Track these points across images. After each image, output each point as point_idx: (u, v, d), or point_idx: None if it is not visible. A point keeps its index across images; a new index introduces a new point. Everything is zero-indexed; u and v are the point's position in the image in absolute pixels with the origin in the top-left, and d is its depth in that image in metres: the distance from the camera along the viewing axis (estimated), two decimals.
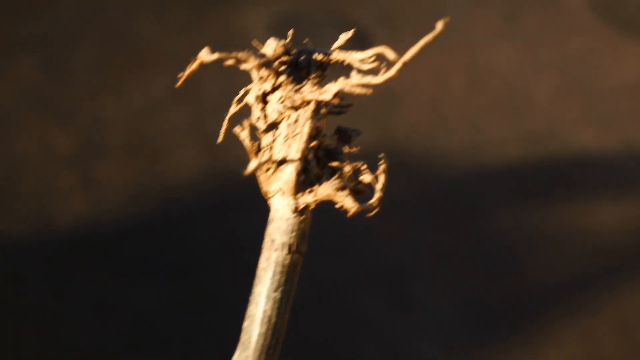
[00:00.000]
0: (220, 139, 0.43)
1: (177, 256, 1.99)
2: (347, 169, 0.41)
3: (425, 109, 2.59)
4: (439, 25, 0.35)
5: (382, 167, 0.41)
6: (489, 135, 2.56)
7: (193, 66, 0.40)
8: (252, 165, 0.40)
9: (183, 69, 0.45)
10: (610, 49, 3.00)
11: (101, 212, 2.03)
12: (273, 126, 0.41)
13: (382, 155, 0.40)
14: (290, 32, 0.42)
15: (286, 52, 0.40)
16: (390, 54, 0.37)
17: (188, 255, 1.99)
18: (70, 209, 2.01)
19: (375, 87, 0.37)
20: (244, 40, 2.62)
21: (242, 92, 0.42)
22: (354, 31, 0.40)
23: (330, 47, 0.44)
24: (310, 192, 0.41)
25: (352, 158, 0.42)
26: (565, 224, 2.33)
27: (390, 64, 0.37)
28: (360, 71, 0.38)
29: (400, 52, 0.36)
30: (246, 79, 0.42)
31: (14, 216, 1.97)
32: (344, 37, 0.43)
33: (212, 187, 2.15)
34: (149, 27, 2.57)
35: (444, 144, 2.48)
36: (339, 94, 0.39)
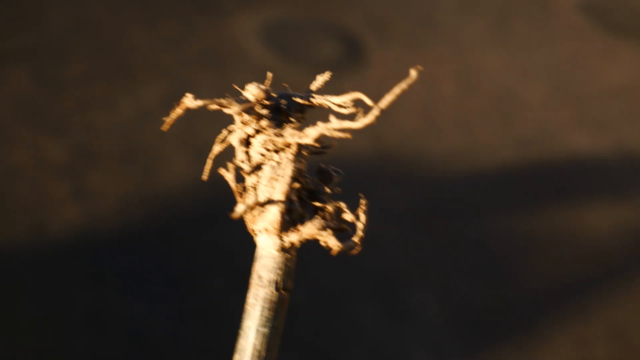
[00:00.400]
0: (205, 177, 0.44)
1: (171, 264, 1.99)
2: (329, 209, 0.42)
3: (416, 115, 2.59)
4: (413, 73, 0.36)
5: (362, 206, 0.42)
6: (481, 140, 2.56)
7: (178, 111, 0.41)
8: (240, 209, 0.41)
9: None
10: (601, 52, 3.01)
11: (94, 221, 2.03)
12: (257, 168, 0.41)
13: (361, 195, 0.41)
14: (270, 76, 0.43)
15: (267, 96, 0.41)
16: (366, 99, 0.38)
17: (181, 263, 2.00)
18: (64, 218, 2.01)
19: (353, 131, 0.38)
20: (234, 49, 2.62)
21: (225, 132, 0.43)
22: (330, 75, 0.41)
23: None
24: (295, 231, 0.42)
25: (334, 197, 0.43)
26: (558, 228, 2.34)
27: (367, 109, 0.38)
28: (338, 115, 0.39)
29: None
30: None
31: (8, 226, 1.98)
32: (320, 79, 0.44)
33: (204, 195, 2.15)
34: (140, 38, 2.57)
35: (435, 149, 2.49)
36: (319, 138, 0.40)
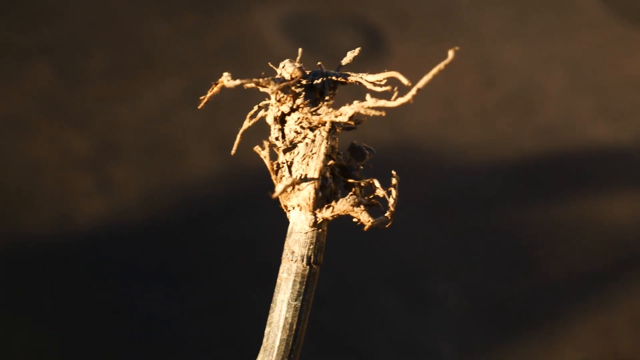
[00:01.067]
0: (233, 151, 0.45)
1: (193, 256, 2.00)
2: (361, 185, 0.43)
3: (437, 106, 2.60)
4: (451, 54, 0.37)
5: (394, 182, 0.42)
6: (502, 131, 2.56)
7: (215, 89, 0.41)
8: (279, 189, 0.42)
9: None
10: (621, 42, 3.00)
11: (118, 213, 2.04)
12: (291, 146, 0.42)
13: (394, 172, 0.42)
14: (300, 51, 0.44)
15: (303, 74, 0.42)
16: (402, 79, 0.39)
17: (204, 255, 2.01)
18: (87, 211, 2.03)
19: (388, 110, 0.39)
20: (255, 41, 2.63)
21: (255, 108, 0.44)
22: (360, 50, 0.42)
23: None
24: (328, 207, 0.43)
25: (365, 173, 0.44)
26: (580, 218, 2.34)
27: (403, 88, 0.39)
28: (373, 93, 0.40)
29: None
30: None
31: (33, 219, 1.99)
32: (350, 54, 0.44)
33: (227, 187, 2.16)
34: (161, 30, 2.59)
35: (457, 141, 2.49)
36: (354, 117, 0.41)
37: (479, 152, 2.47)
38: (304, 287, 0.46)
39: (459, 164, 2.42)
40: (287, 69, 0.42)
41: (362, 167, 0.43)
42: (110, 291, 1.88)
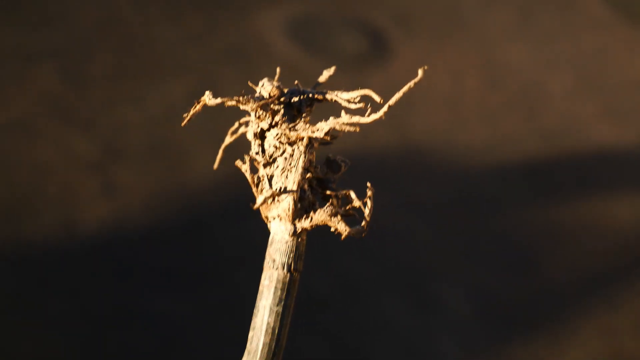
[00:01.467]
0: (216, 166, 0.48)
1: (199, 259, 2.01)
2: (338, 196, 0.45)
3: (441, 108, 2.61)
4: (420, 73, 0.39)
5: (369, 194, 0.45)
6: (506, 133, 2.57)
7: (197, 107, 0.44)
8: (259, 201, 0.45)
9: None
10: (626, 43, 3.01)
11: (124, 217, 2.06)
12: (271, 160, 0.45)
13: (369, 184, 0.44)
14: (278, 70, 0.46)
15: (280, 93, 0.44)
16: (375, 96, 0.41)
17: (209, 258, 2.02)
18: (93, 214, 2.04)
19: (362, 126, 0.41)
20: (259, 44, 2.65)
21: (236, 124, 0.46)
22: (335, 69, 0.44)
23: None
24: (307, 218, 0.46)
25: (342, 184, 0.46)
26: (584, 220, 2.34)
27: (376, 105, 0.41)
28: (348, 110, 0.42)
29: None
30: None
31: (37, 222, 2.01)
32: (326, 73, 0.47)
33: (231, 190, 2.17)
34: (166, 33, 2.60)
35: (461, 143, 2.50)
36: (329, 132, 0.43)
37: (483, 154, 2.48)
38: (285, 293, 0.48)
39: (463, 166, 2.43)
40: (265, 88, 0.44)
41: (337, 179, 0.46)
42: (115, 294, 1.90)
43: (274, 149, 0.45)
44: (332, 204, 0.45)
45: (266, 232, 1.59)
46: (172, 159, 2.24)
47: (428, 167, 2.39)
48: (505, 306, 2.07)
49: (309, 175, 0.45)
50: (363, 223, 0.45)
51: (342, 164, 0.45)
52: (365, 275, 2.06)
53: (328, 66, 0.48)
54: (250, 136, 0.45)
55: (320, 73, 0.49)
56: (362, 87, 0.44)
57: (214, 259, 2.02)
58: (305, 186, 0.45)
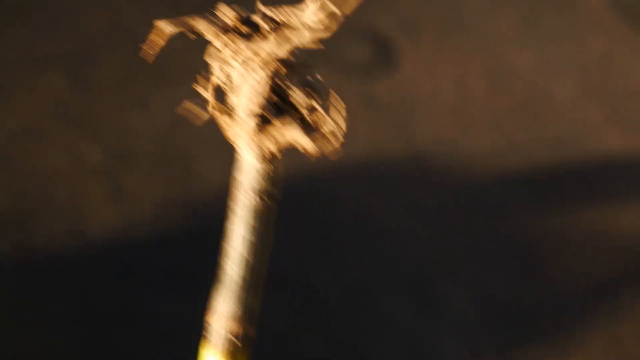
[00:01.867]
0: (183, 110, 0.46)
1: (208, 266, 2.01)
2: (304, 112, 0.44)
3: (446, 114, 2.60)
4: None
5: (335, 107, 0.43)
6: (512, 139, 2.57)
7: (158, 39, 0.43)
8: (212, 112, 0.44)
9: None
10: (633, 49, 3.00)
11: (132, 223, 2.06)
12: (234, 84, 0.44)
13: (332, 91, 0.42)
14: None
15: (240, 16, 0.43)
16: (330, 6, 0.40)
17: (218, 265, 2.02)
18: (102, 220, 2.04)
19: (321, 40, 0.40)
20: None
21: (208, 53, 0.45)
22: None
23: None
24: (273, 139, 0.44)
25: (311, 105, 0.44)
26: (590, 227, 2.34)
27: (332, 17, 0.41)
28: (307, 27, 0.41)
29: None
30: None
31: (46, 228, 2.01)
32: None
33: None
34: (173, 39, 2.60)
35: (466, 148, 2.50)
36: (292, 50, 0.42)
37: (489, 161, 2.48)
38: (258, 222, 0.47)
39: (469, 172, 2.42)
40: (225, 12, 0.43)
41: (312, 98, 0.44)
42: (123, 300, 1.90)
43: (238, 74, 0.44)
44: (298, 122, 0.44)
45: (276, 238, 1.59)
46: (181, 165, 2.24)
47: (433, 173, 2.39)
48: (510, 312, 2.06)
49: (274, 97, 0.43)
50: (333, 139, 0.43)
51: (315, 85, 0.44)
52: (371, 279, 2.05)
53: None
54: (213, 63, 0.44)
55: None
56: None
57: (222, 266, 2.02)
58: (270, 104, 0.43)
